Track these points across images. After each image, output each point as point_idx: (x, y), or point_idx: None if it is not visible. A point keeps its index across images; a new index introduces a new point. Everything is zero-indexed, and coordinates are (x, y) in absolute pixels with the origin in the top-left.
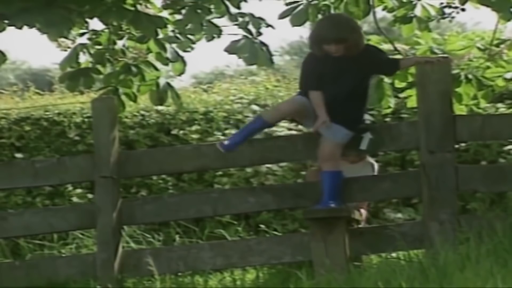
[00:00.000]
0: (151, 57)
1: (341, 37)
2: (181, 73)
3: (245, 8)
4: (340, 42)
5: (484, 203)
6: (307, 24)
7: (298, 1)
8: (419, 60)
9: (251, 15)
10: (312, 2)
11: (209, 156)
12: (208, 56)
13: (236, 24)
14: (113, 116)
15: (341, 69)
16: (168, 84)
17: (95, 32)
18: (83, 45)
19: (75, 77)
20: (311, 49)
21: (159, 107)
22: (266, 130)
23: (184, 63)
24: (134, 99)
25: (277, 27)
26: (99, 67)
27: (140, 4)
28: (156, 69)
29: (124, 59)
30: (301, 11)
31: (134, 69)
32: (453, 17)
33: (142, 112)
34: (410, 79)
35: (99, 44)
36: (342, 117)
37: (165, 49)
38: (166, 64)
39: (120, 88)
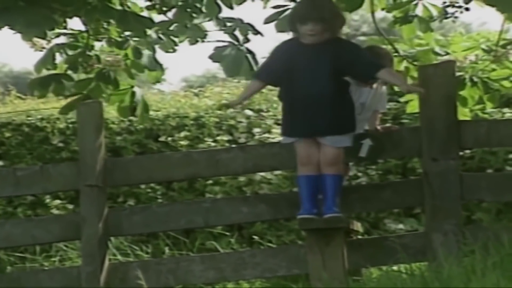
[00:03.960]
0: (123, 64)
1: (319, 16)
2: (158, 81)
3: (236, 12)
4: (318, 22)
5: (490, 213)
6: None
7: (285, 6)
8: (402, 86)
9: (240, 20)
10: None
11: (200, 163)
12: (199, 59)
13: (222, 29)
14: (99, 121)
15: (316, 63)
16: (142, 96)
17: (72, 35)
18: (59, 46)
19: (45, 83)
20: (290, 28)
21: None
22: (258, 137)
23: (162, 70)
24: None
25: (272, 29)
26: (71, 73)
27: (128, 6)
28: (132, 77)
29: (99, 66)
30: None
31: (111, 75)
32: (456, 17)
33: (130, 117)
34: (410, 81)
35: (75, 48)
36: (334, 121)
37: (141, 57)
38: (142, 72)
39: (91, 97)
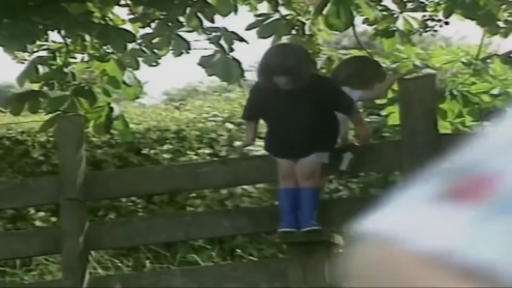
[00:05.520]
0: (100, 81)
1: (290, 68)
2: (135, 97)
3: (219, 21)
4: (288, 74)
5: None
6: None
7: (269, 14)
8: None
9: (224, 29)
10: (287, 17)
11: (181, 177)
12: (180, 72)
13: (208, 39)
14: (80, 134)
15: (294, 102)
16: (120, 112)
17: (51, 51)
18: (41, 58)
19: (21, 99)
20: (259, 79)
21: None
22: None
23: (140, 87)
24: None
25: (253, 42)
26: (46, 90)
27: (109, 18)
28: (108, 95)
29: (75, 83)
30: (271, 24)
31: (88, 90)
32: (435, 31)
33: (111, 130)
34: (391, 94)
35: (52, 65)
36: (317, 143)
37: (124, 68)
38: (119, 88)
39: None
